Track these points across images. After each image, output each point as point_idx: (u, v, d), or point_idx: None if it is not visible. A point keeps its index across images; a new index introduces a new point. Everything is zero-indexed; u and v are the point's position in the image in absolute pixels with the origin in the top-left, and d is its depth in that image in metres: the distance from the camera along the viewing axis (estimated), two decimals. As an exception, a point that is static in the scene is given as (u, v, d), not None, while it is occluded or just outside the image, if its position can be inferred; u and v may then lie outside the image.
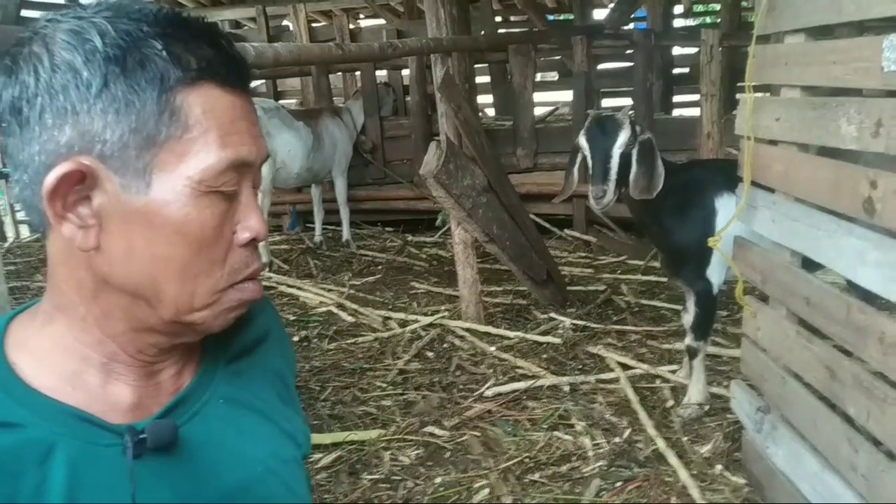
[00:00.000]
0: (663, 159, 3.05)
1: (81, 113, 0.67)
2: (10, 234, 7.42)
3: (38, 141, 0.68)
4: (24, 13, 6.55)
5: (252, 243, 0.76)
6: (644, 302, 4.59)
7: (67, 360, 0.73)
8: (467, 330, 4.20)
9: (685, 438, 3.01)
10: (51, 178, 0.66)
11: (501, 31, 8.79)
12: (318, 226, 6.46)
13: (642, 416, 3.15)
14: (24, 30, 0.70)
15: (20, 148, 0.69)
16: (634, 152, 2.93)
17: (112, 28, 0.67)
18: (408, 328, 4.31)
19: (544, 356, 3.86)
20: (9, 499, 0.66)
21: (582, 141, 3.01)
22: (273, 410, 0.86)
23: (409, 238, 6.46)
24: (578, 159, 3.08)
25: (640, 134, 2.96)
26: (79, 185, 0.68)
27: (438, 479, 2.84)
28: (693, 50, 7.06)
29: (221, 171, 0.70)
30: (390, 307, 4.77)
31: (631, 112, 3.08)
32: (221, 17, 8.38)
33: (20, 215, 7.22)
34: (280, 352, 0.92)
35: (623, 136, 2.92)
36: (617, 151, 2.92)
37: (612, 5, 8.26)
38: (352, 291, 5.07)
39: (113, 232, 0.69)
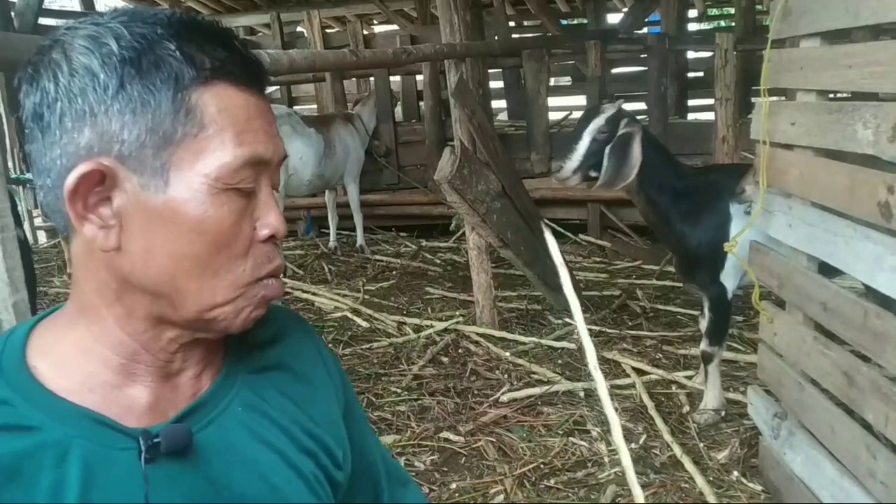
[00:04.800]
0: (678, 162, 3.05)
1: (99, 114, 0.68)
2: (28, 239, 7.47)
3: (59, 144, 0.69)
4: (42, 21, 6.63)
5: (271, 240, 0.77)
6: (659, 307, 4.57)
7: (86, 363, 0.74)
8: (482, 335, 4.19)
9: (701, 444, 2.99)
10: (71, 179, 0.68)
11: (515, 36, 8.82)
12: (332, 231, 6.47)
13: (658, 421, 3.14)
14: (44, 39, 0.72)
15: (43, 153, 0.71)
16: (610, 142, 2.98)
17: (127, 32, 0.69)
18: (422, 333, 4.30)
19: (559, 361, 3.85)
20: (25, 501, 0.67)
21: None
22: (292, 424, 0.83)
23: (424, 243, 6.46)
24: None
25: (624, 126, 2.98)
26: (99, 185, 0.69)
27: (454, 485, 2.84)
28: (707, 54, 7.03)
29: (238, 169, 0.71)
30: (405, 312, 4.77)
31: (621, 105, 3.13)
32: (236, 23, 8.45)
33: (38, 221, 7.28)
34: (317, 378, 0.90)
35: (596, 123, 3.01)
36: (587, 136, 3.02)
37: (625, 9, 8.27)
38: (366, 297, 5.08)
39: (133, 231, 0.70)
